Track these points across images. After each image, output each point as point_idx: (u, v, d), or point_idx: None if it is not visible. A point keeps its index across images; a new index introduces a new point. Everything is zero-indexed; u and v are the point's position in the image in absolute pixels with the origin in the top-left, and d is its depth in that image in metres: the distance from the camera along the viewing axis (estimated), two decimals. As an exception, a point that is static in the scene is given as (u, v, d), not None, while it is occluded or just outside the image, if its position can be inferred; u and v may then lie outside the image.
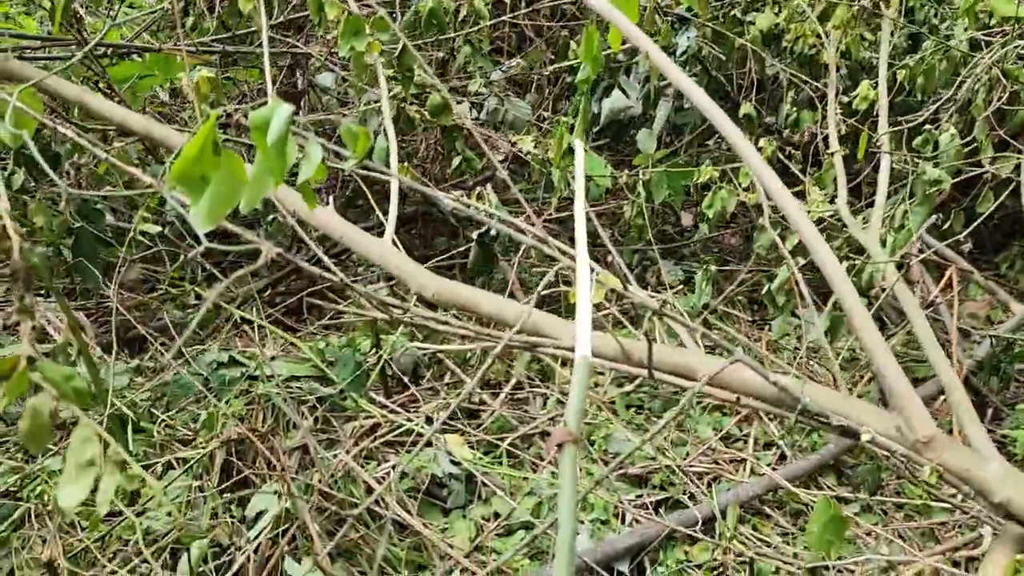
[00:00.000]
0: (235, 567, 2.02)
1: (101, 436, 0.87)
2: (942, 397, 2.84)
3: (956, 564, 2.20)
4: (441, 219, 3.65)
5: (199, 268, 3.25)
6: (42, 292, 3.43)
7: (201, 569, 2.04)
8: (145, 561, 1.91)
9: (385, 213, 1.67)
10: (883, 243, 2.25)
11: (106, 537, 2.01)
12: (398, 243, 1.62)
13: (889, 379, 1.38)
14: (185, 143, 1.60)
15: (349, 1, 2.03)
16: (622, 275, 1.26)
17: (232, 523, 2.11)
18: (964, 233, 2.13)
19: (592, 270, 1.43)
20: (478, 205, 1.94)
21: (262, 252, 1.20)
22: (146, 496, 2.17)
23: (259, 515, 2.18)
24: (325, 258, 1.39)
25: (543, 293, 1.43)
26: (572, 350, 1.49)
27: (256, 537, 2.06)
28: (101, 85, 3.19)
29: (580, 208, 1.11)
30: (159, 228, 2.62)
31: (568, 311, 3.32)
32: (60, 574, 1.37)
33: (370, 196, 2.86)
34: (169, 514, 2.14)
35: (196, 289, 2.98)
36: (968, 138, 2.38)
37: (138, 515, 2.09)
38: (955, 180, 2.40)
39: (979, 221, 2.23)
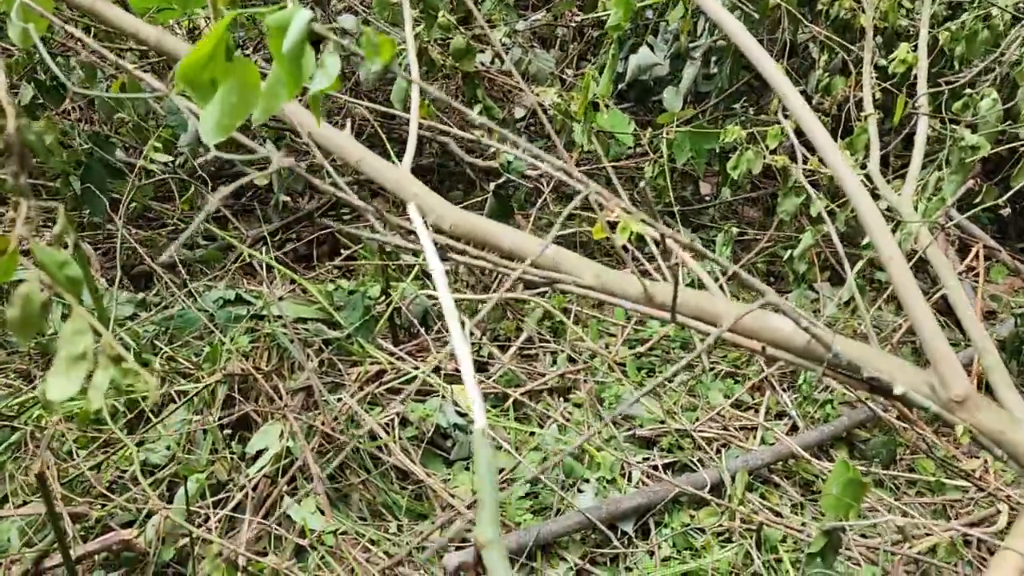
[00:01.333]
0: (232, 503, 1.98)
1: (94, 328, 0.82)
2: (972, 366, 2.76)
3: (967, 542, 2.15)
4: (458, 171, 3.58)
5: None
6: (47, 224, 3.39)
7: (198, 504, 2.01)
8: (142, 491, 1.87)
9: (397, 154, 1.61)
10: (915, 208, 2.17)
11: (102, 465, 1.97)
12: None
13: (923, 332, 1.32)
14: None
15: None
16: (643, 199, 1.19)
17: (232, 459, 2.07)
18: (1003, 199, 2.04)
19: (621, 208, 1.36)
20: (500, 147, 1.86)
21: (271, 161, 1.13)
22: (146, 427, 2.13)
23: (259, 454, 2.14)
24: (339, 179, 1.32)
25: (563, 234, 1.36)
26: (592, 288, 1.43)
27: (255, 475, 2.02)
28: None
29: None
30: (169, 158, 2.55)
31: (586, 248, 3.26)
32: (50, 487, 1.32)
33: (386, 141, 2.80)
34: (168, 447, 2.10)
35: (207, 227, 2.92)
36: (1008, 105, 2.29)
37: (137, 445, 2.05)
38: (990, 152, 2.32)
39: (1013, 191, 2.14)
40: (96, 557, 1.80)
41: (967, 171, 2.23)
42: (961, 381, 1.27)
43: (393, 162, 1.58)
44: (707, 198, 4.31)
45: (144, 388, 0.79)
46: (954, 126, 2.26)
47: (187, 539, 1.83)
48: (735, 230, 2.81)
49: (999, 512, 1.97)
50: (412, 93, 1.62)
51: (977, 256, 2.71)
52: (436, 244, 1.41)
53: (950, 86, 2.24)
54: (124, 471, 2.03)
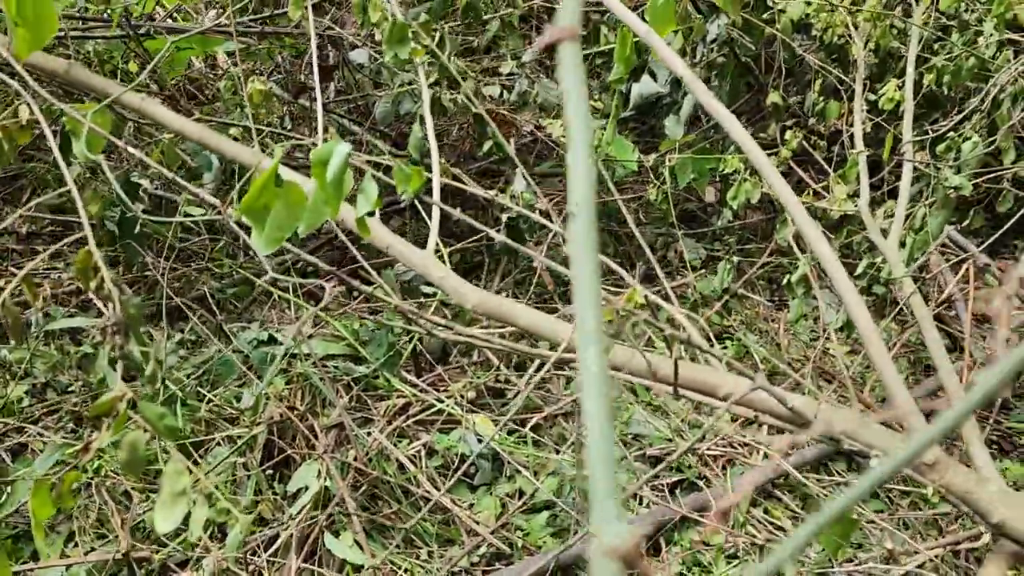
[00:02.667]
0: (278, 542, 2.17)
1: (191, 469, 0.99)
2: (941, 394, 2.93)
3: (956, 554, 2.33)
4: (470, 197, 3.73)
5: (238, 243, 3.37)
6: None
7: (246, 540, 2.20)
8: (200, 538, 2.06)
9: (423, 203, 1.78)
10: (902, 244, 2.32)
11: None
12: (443, 252, 1.71)
13: (897, 402, 1.48)
14: (255, 166, 1.69)
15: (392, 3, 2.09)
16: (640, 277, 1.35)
17: (275, 499, 2.26)
18: (990, 240, 2.19)
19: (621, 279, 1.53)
20: (511, 205, 2.02)
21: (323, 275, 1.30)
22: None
23: (298, 491, 2.32)
24: (378, 278, 1.49)
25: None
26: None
27: (298, 513, 2.21)
28: (136, 60, 3.27)
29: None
30: (202, 212, 2.72)
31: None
32: (128, 553, 1.51)
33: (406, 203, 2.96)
34: (216, 487, 2.28)
35: (234, 267, 3.09)
36: (990, 141, 2.43)
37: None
38: (976, 180, 2.46)
39: (1004, 229, 2.28)
40: (159, 597, 2.00)
41: (951, 207, 2.38)
42: (932, 447, 1.44)
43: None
44: (712, 206, 4.45)
45: (234, 518, 0.96)
46: (938, 165, 2.40)
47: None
48: (736, 252, 2.96)
49: (983, 533, 2.14)
50: (433, 178, 1.78)
51: (967, 274, 2.85)
52: (460, 334, 1.58)
53: (935, 133, 2.38)
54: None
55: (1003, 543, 1.44)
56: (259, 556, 2.11)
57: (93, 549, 2.06)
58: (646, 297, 1.53)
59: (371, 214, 1.76)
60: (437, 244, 1.79)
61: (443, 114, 2.93)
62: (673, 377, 1.50)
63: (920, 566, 2.16)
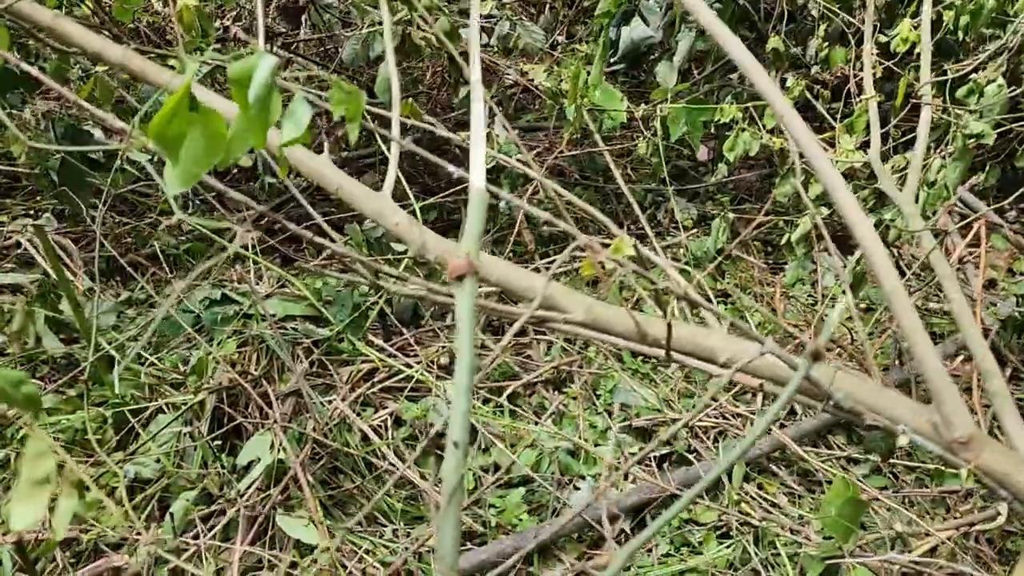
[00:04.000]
0: (225, 519, 1.96)
1: (56, 451, 0.77)
2: (959, 358, 2.75)
3: (966, 535, 2.15)
4: (446, 147, 3.49)
5: (194, 193, 3.12)
6: (29, 213, 3.31)
7: (190, 517, 1.99)
8: (135, 509, 1.85)
9: (386, 143, 1.55)
10: (916, 199, 2.11)
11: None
12: (415, 207, 1.49)
13: (928, 373, 1.27)
14: (166, 85, 1.45)
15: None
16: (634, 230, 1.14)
17: (222, 472, 2.05)
18: (1010, 200, 1.99)
19: (608, 231, 1.31)
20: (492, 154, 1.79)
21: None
22: (134, 441, 2.10)
23: (250, 464, 2.11)
24: (323, 222, 1.27)
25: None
26: (583, 324, 1.38)
27: (248, 488, 2.00)
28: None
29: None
30: (148, 156, 2.46)
31: (573, 282, 3.20)
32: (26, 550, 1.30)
33: (352, 142, 2.72)
34: (158, 460, 2.07)
35: (188, 218, 2.84)
36: (1013, 90, 2.21)
37: (126, 460, 2.03)
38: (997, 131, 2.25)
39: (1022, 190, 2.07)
40: (88, 583, 1.79)
41: (970, 158, 2.17)
42: (965, 422, 1.23)
43: (378, 147, 1.51)
44: (704, 165, 4.22)
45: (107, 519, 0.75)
46: (958, 111, 2.19)
47: (180, 560, 1.82)
48: (731, 210, 2.74)
49: (999, 513, 1.96)
50: (393, 111, 1.55)
51: (978, 236, 2.65)
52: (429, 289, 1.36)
53: (956, 73, 2.16)
54: (114, 487, 2.00)
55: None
56: (201, 538, 1.89)
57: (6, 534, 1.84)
58: (635, 247, 1.31)
59: (318, 145, 1.53)
60: (396, 187, 1.56)
61: (416, 55, 2.68)
62: (666, 340, 1.29)
63: (932, 549, 1.98)
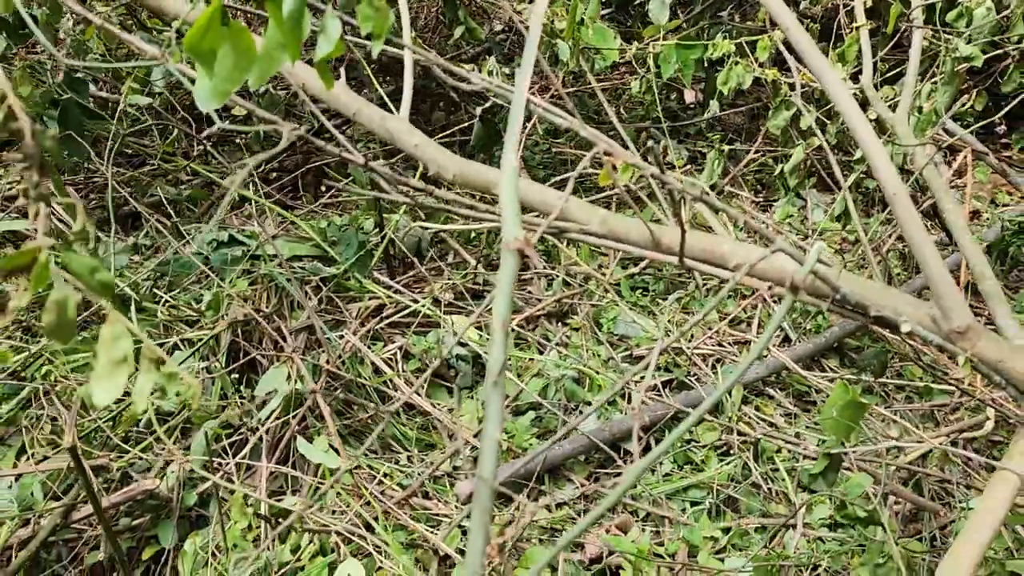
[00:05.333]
0: (248, 447, 2.02)
1: (133, 332, 0.83)
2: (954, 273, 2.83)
3: (954, 444, 2.25)
4: (441, 93, 3.51)
5: (192, 142, 3.14)
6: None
7: (213, 447, 2.05)
8: (159, 440, 1.91)
9: (383, 85, 1.59)
10: (908, 120, 2.17)
11: (116, 418, 2.00)
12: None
13: (927, 265, 1.35)
14: (187, 11, 1.49)
15: None
16: (650, 151, 1.20)
17: (242, 403, 2.11)
18: (996, 118, 2.06)
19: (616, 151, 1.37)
20: (493, 82, 1.83)
21: (283, 133, 1.12)
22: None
23: (267, 396, 2.17)
24: (342, 138, 1.31)
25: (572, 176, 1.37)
26: (599, 235, 1.44)
27: (267, 418, 2.06)
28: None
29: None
30: (149, 100, 2.49)
31: (580, 192, 3.25)
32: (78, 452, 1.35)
33: (367, 67, 2.74)
34: (178, 394, 2.12)
35: (190, 165, 2.87)
36: (1001, 14, 2.27)
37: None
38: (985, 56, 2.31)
39: (1012, 105, 2.14)
40: (121, 507, 1.85)
41: (959, 81, 2.23)
42: (962, 313, 1.31)
43: (376, 88, 1.56)
44: (692, 106, 4.27)
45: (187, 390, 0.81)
46: (947, 35, 2.24)
47: (208, 483, 1.89)
48: (725, 148, 2.79)
49: (987, 419, 2.06)
50: (404, 36, 1.58)
51: (964, 164, 2.73)
52: (441, 199, 1.41)
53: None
54: (138, 421, 2.06)
55: (1034, 416, 1.34)
56: (227, 460, 1.96)
57: (46, 458, 1.90)
58: (645, 156, 1.36)
59: (336, 70, 1.55)
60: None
61: (411, -6, 2.69)
62: (679, 246, 1.35)
63: (923, 456, 2.08)
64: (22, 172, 0.82)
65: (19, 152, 0.83)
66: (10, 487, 1.82)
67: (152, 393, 0.85)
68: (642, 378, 2.55)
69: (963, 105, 2.26)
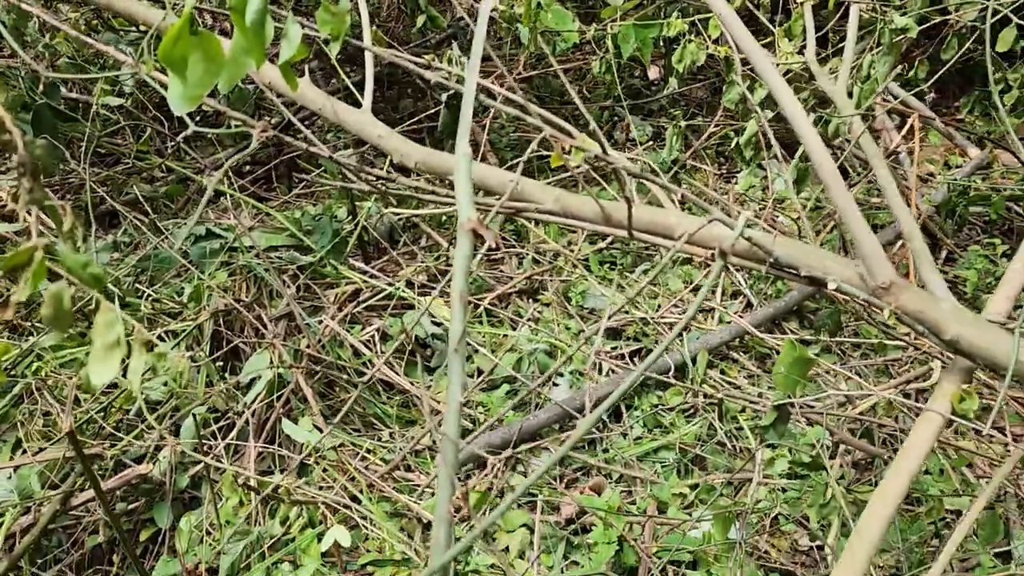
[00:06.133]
0: (235, 430, 2.12)
1: (124, 319, 0.92)
2: (900, 242, 2.98)
3: (907, 396, 2.39)
4: (407, 81, 3.59)
5: (164, 139, 3.20)
6: (2, 171, 3.37)
7: (202, 432, 2.15)
8: (150, 428, 2.01)
9: (350, 74, 1.68)
10: (850, 94, 2.29)
11: (107, 408, 2.09)
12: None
13: (852, 228, 1.46)
14: (159, 20, 1.57)
15: None
16: (593, 133, 1.31)
17: (227, 389, 2.20)
18: (929, 83, 2.18)
19: (569, 133, 1.48)
20: (450, 70, 1.93)
21: (252, 131, 1.21)
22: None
23: (251, 381, 2.27)
24: (309, 133, 1.40)
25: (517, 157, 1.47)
26: (554, 212, 1.55)
27: (252, 401, 2.16)
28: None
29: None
30: (121, 100, 2.56)
31: (543, 172, 3.35)
32: (77, 439, 1.44)
33: (333, 58, 2.81)
34: (165, 383, 2.22)
35: (164, 162, 2.94)
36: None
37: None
38: (920, 28, 2.42)
39: (944, 70, 2.27)
40: (117, 492, 1.95)
41: (898, 51, 2.34)
42: (886, 270, 1.43)
43: (342, 80, 1.65)
44: (656, 82, 4.37)
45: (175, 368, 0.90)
46: (885, 7, 2.35)
47: (199, 466, 1.98)
48: (684, 123, 2.90)
49: (931, 370, 2.19)
50: (364, 34, 1.67)
51: (912, 129, 2.85)
52: (408, 186, 1.51)
53: (879, -29, 2.32)
54: (127, 411, 2.15)
55: (956, 361, 1.46)
56: (216, 443, 2.06)
57: (42, 450, 1.99)
58: (593, 134, 1.47)
59: (301, 65, 1.64)
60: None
61: (372, -13, 2.77)
62: (627, 220, 1.46)
63: (872, 408, 2.21)
64: (17, 179, 0.91)
65: (12, 161, 0.92)
66: (9, 478, 1.91)
67: (144, 373, 0.95)
68: (609, 346, 2.66)
69: (901, 74, 2.37)
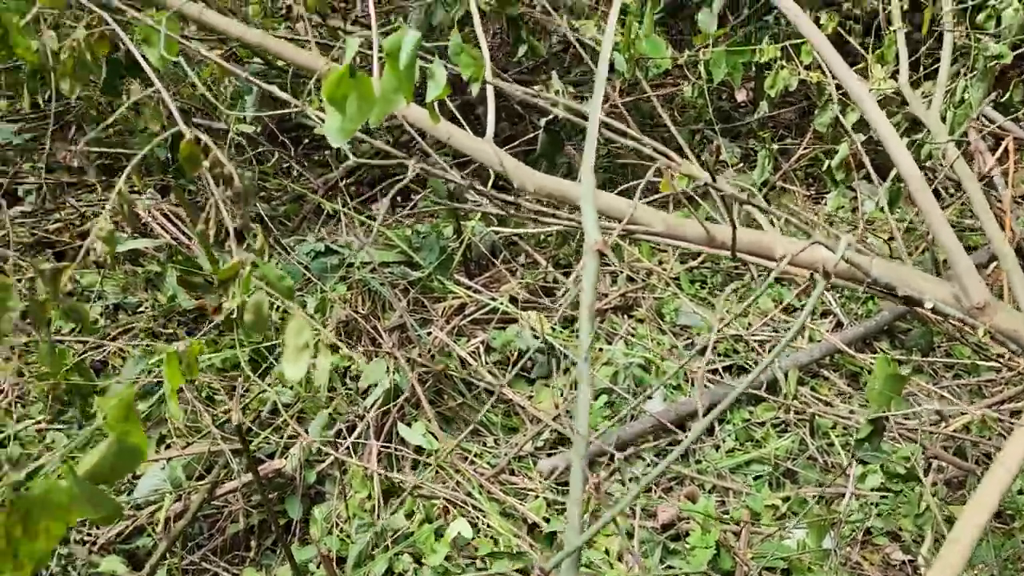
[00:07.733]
0: (357, 430, 2.31)
1: (312, 324, 1.10)
2: (993, 264, 2.99)
3: (1000, 417, 2.42)
4: (503, 105, 3.77)
5: (282, 163, 3.45)
6: (136, 190, 3.68)
7: (327, 433, 2.34)
8: (285, 423, 2.21)
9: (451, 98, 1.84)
10: (943, 119, 2.35)
11: (245, 408, 2.30)
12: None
13: (946, 248, 1.55)
14: (322, 68, 1.76)
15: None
16: (704, 163, 1.44)
17: (348, 394, 2.40)
18: (1024, 109, 2.23)
19: (675, 160, 1.61)
20: (561, 100, 2.08)
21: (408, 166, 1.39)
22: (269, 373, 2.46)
23: (369, 387, 2.46)
24: (444, 163, 1.57)
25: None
26: (662, 234, 1.68)
27: (372, 406, 2.35)
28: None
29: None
30: (252, 128, 2.80)
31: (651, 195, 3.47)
32: (243, 430, 1.64)
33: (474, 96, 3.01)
34: (291, 388, 2.43)
35: (289, 184, 3.19)
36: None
37: (271, 387, 2.39)
38: (1016, 52, 2.47)
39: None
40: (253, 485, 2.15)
41: (991, 77, 2.40)
42: (980, 290, 1.51)
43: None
44: (744, 104, 4.45)
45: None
46: (979, 35, 2.41)
47: (325, 463, 2.18)
48: (775, 145, 2.99)
49: (1026, 390, 2.23)
50: (485, 64, 1.84)
51: (1007, 149, 2.87)
52: (523, 208, 1.66)
53: (975, 1, 2.38)
54: (259, 411, 2.37)
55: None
56: (342, 442, 2.25)
57: (190, 444, 2.22)
58: (702, 163, 1.60)
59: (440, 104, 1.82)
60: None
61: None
62: (731, 242, 1.58)
63: (966, 426, 2.26)
64: (232, 207, 1.10)
65: (229, 191, 1.11)
66: (163, 468, 2.14)
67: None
68: (706, 362, 2.77)
69: (997, 99, 2.42)
